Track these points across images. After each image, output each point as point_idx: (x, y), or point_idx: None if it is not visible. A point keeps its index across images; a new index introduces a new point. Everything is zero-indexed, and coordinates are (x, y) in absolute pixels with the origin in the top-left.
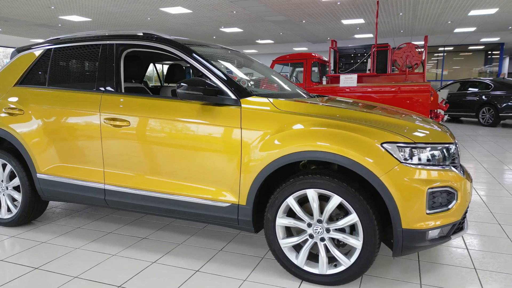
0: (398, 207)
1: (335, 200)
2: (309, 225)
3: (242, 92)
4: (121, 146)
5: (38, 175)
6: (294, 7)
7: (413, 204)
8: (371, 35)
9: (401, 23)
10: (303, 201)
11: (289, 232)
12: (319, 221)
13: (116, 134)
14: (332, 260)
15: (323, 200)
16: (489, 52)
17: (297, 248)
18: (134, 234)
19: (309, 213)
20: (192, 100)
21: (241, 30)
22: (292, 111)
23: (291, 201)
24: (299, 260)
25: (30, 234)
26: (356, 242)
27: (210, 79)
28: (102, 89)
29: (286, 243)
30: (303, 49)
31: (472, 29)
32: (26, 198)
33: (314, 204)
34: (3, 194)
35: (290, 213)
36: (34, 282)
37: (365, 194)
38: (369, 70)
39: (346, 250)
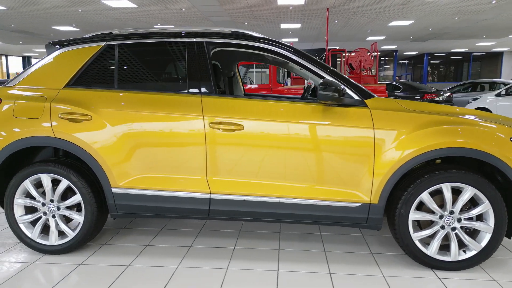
0: None
1: (470, 191)
2: (441, 217)
3: (364, 92)
4: (234, 152)
5: (114, 190)
6: (246, 8)
7: None
8: (296, 39)
9: (329, 29)
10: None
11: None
12: (451, 212)
13: (228, 139)
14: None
15: (454, 193)
16: (382, 58)
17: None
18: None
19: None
20: (328, 101)
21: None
22: (419, 110)
23: (425, 196)
24: (432, 250)
25: (100, 259)
26: (487, 227)
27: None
28: (196, 90)
29: (418, 236)
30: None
31: (382, 37)
32: (92, 217)
33: (448, 196)
34: (53, 216)
35: (418, 208)
36: None
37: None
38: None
39: (473, 237)
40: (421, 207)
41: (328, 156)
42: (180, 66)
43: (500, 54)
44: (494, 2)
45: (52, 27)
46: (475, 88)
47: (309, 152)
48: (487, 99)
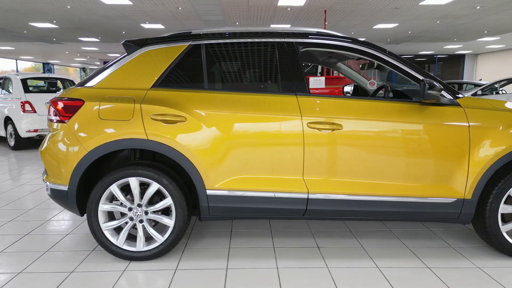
0: None
1: None
2: None
3: (454, 92)
4: (331, 151)
5: (209, 192)
6: (245, 8)
7: None
8: None
9: None
10: None
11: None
12: None
13: (326, 139)
14: None
15: None
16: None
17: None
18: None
19: None
20: (433, 100)
21: (163, 27)
22: (507, 109)
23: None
24: None
25: (193, 263)
26: None
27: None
28: (289, 90)
29: (506, 228)
30: None
31: (362, 39)
32: (183, 220)
33: None
34: (140, 221)
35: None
36: None
37: None
38: (320, 73)
39: None
40: (507, 200)
41: (427, 153)
42: (270, 66)
43: (462, 56)
44: (478, 7)
45: (29, 23)
46: None
47: (408, 150)
48: None
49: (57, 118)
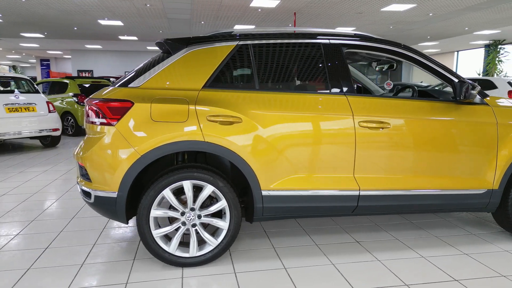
0: None
1: None
2: None
3: (481, 92)
4: (380, 149)
5: (264, 192)
6: (216, 8)
7: None
8: None
9: None
10: None
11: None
12: None
13: (375, 137)
14: None
15: None
16: None
17: None
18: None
19: None
20: (472, 99)
21: (122, 24)
22: None
23: None
24: None
25: (249, 265)
26: None
27: (454, 81)
28: (338, 90)
29: None
30: (156, 48)
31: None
32: (237, 222)
33: None
34: (193, 226)
35: None
36: None
37: None
38: None
39: None
40: None
41: (465, 149)
42: (318, 67)
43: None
44: (431, 14)
45: None
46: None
47: (448, 146)
48: None
49: (103, 120)
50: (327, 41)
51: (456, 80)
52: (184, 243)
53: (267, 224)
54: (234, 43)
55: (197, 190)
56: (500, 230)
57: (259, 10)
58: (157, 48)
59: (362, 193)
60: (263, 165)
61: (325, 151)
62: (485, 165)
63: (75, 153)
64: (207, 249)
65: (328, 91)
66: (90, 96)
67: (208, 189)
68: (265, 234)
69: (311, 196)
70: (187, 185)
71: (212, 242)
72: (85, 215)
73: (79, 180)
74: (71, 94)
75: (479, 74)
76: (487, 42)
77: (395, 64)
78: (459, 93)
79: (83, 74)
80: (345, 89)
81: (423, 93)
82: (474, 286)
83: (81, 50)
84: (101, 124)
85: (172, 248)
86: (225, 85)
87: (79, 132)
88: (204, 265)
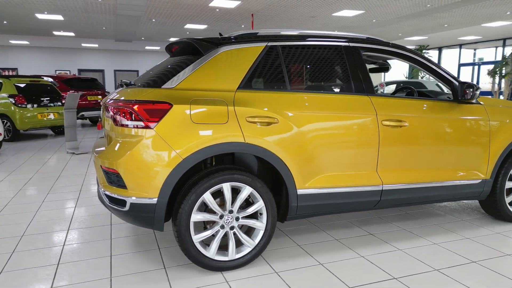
0: None
1: None
2: None
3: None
4: (398, 145)
5: (299, 191)
6: (172, 6)
7: None
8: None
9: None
10: None
11: None
12: None
13: (395, 135)
14: None
15: None
16: None
17: None
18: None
19: None
20: (472, 99)
21: (62, 19)
22: (509, 105)
23: None
24: None
25: (286, 264)
26: None
27: (452, 82)
28: (361, 91)
29: (509, 199)
30: (94, 45)
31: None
32: (273, 222)
33: None
34: (232, 228)
35: None
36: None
37: None
38: None
39: None
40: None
41: (466, 143)
42: (342, 68)
43: None
44: (374, 20)
45: None
46: None
47: (454, 140)
48: None
49: (139, 123)
50: (347, 44)
51: (457, 82)
52: (219, 247)
53: (278, 224)
54: (264, 44)
55: (233, 192)
56: (483, 216)
57: (217, 10)
58: (94, 45)
59: (385, 187)
60: (298, 165)
61: (353, 149)
62: (481, 158)
63: (99, 159)
64: (245, 251)
65: (352, 91)
66: (112, 98)
67: (247, 191)
68: (283, 233)
69: (340, 193)
70: (227, 187)
71: (250, 244)
72: (81, 226)
73: (105, 187)
74: (6, 95)
75: (406, 78)
76: (413, 47)
77: (389, 66)
78: (461, 93)
79: (6, 73)
80: (366, 89)
81: (420, 94)
82: (488, 264)
83: (4, 46)
84: (137, 127)
85: (212, 252)
86: (257, 85)
87: (16, 136)
88: (242, 267)
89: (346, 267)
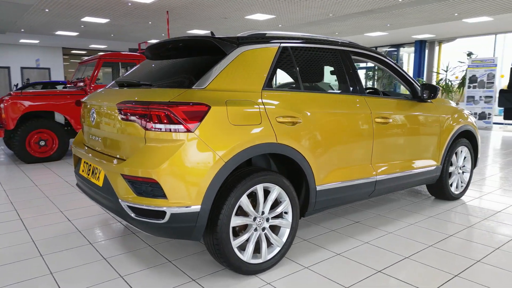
0: None
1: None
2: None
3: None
4: (385, 140)
5: (318, 187)
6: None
7: None
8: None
9: (129, 28)
10: None
11: None
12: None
13: (383, 130)
14: None
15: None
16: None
17: None
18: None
19: None
20: (432, 99)
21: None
22: (450, 103)
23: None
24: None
25: (311, 258)
26: None
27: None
28: (357, 91)
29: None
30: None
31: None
32: (297, 220)
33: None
34: (262, 230)
35: None
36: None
37: None
38: None
39: None
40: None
41: (429, 135)
42: (340, 68)
43: None
44: (280, 25)
45: None
46: None
47: (422, 133)
48: None
49: (178, 126)
50: (342, 48)
51: (418, 84)
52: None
53: None
54: (277, 45)
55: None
56: (428, 198)
57: (129, 4)
58: None
59: (378, 178)
60: (318, 162)
61: (357, 144)
62: (436, 147)
63: (115, 168)
64: (275, 251)
65: (350, 92)
66: (132, 100)
67: (277, 191)
68: None
69: (346, 186)
70: (261, 188)
71: (279, 243)
72: (58, 249)
73: (133, 199)
74: None
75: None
76: None
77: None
78: (421, 93)
79: None
80: (359, 90)
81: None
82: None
83: None
84: (178, 131)
85: (248, 256)
86: (276, 85)
87: None
88: (271, 268)
89: (359, 254)
